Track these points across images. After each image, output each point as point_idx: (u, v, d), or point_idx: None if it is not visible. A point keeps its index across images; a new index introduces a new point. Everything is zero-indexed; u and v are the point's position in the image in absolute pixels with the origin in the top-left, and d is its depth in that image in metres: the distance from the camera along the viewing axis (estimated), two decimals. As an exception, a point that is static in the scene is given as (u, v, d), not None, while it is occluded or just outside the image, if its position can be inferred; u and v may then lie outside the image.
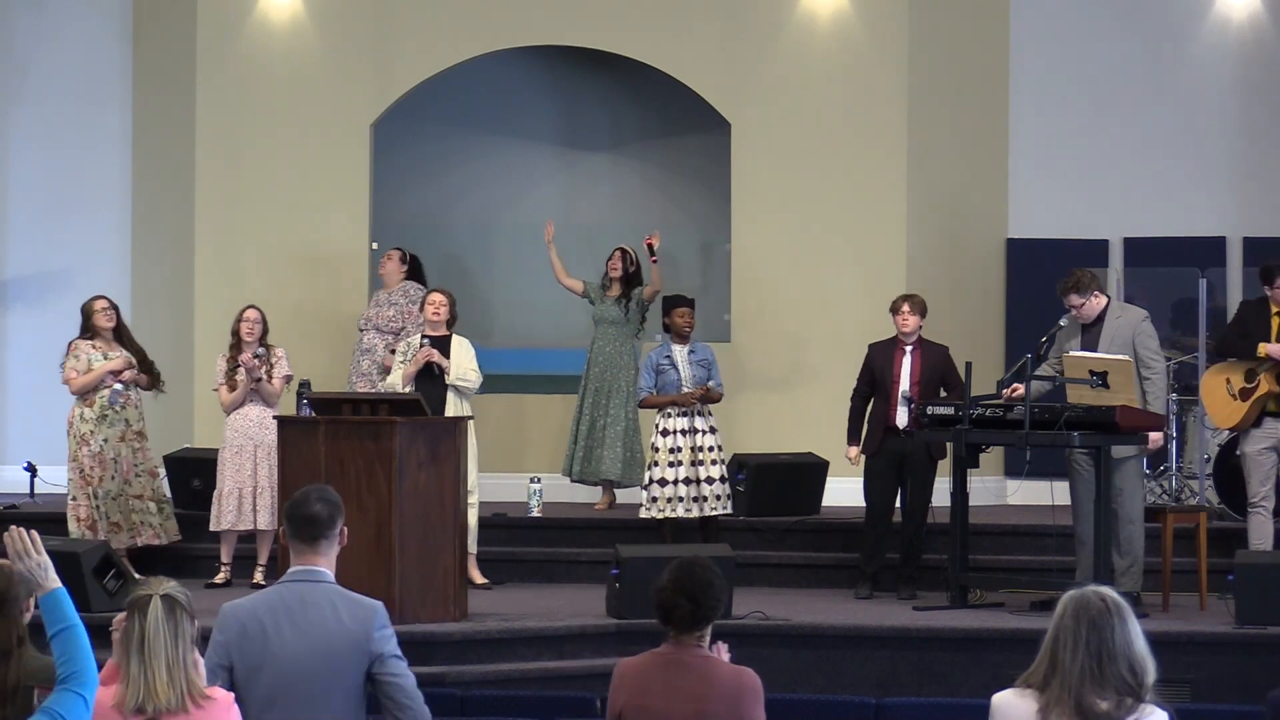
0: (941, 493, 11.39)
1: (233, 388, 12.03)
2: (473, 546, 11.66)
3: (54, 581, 4.70)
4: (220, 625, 5.75)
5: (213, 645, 5.73)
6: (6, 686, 5.35)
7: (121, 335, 12.16)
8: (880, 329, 11.96)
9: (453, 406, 11.54)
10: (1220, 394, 11.17)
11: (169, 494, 12.40)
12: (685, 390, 11.93)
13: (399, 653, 5.73)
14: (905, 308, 11.58)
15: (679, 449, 11.89)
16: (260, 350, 12.04)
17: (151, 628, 5.03)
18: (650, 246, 13.37)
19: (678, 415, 11.95)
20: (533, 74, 15.10)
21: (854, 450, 11.69)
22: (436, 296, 11.88)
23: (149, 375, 12.11)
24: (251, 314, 12.14)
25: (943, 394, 11.52)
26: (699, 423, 11.96)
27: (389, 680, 5.67)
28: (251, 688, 5.66)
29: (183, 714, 5.04)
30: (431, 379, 11.60)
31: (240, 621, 5.73)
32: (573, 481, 13.63)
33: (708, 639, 5.88)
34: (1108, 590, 4.72)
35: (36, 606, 5.25)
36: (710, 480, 11.90)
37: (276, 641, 5.66)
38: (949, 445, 11.42)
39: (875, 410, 11.65)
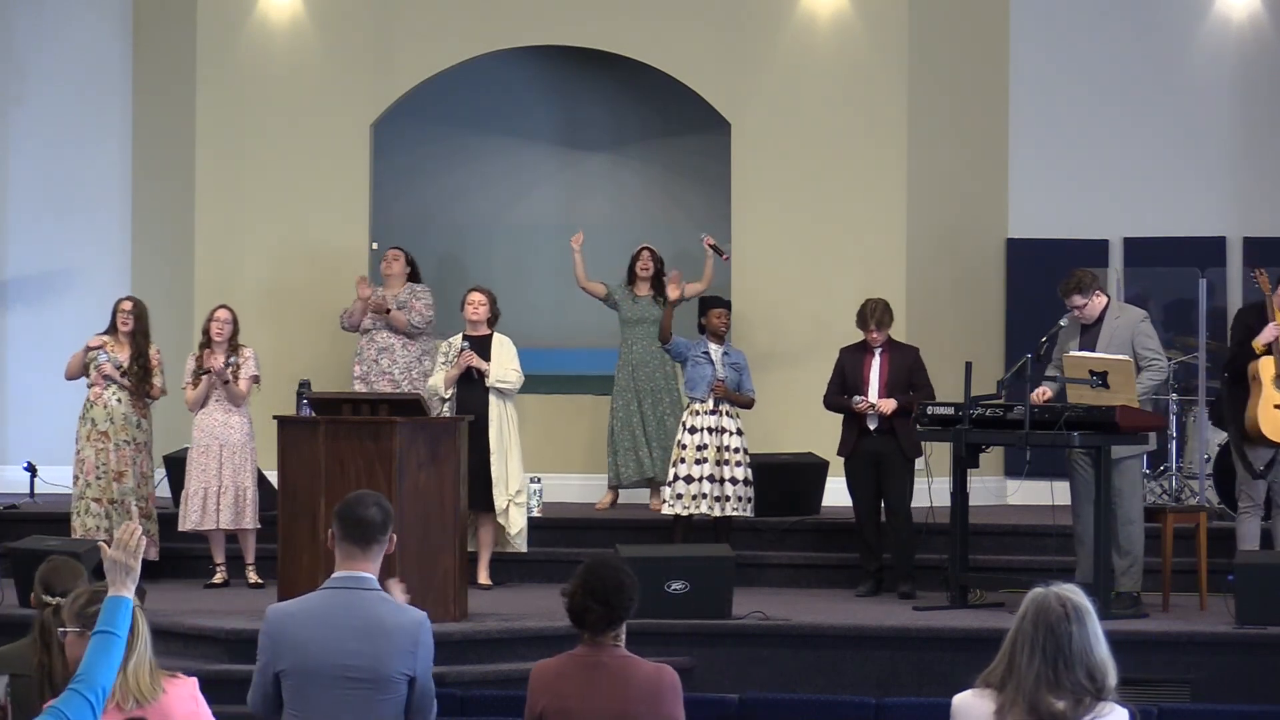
0: (941, 493, 11.40)
1: (198, 385, 12.06)
2: (523, 546, 11.65)
3: (127, 590, 4.72)
4: (266, 628, 5.76)
5: (260, 647, 5.76)
6: (52, 678, 5.40)
7: (136, 339, 12.16)
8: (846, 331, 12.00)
9: (495, 408, 11.52)
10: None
11: (133, 501, 12.09)
12: (719, 382, 11.92)
13: (431, 665, 5.76)
14: (873, 325, 11.62)
15: (705, 446, 11.90)
16: (232, 360, 12.03)
17: (139, 637, 5.23)
18: (715, 247, 13.34)
19: (706, 414, 11.97)
20: (533, 74, 15.10)
21: (863, 400, 11.62)
22: (475, 296, 11.84)
23: (135, 380, 12.06)
24: (222, 314, 12.17)
25: (910, 395, 11.58)
26: (727, 423, 11.97)
27: (417, 691, 5.73)
28: (299, 691, 5.67)
29: (154, 702, 5.28)
30: (471, 381, 11.59)
31: (285, 626, 5.75)
32: (616, 486, 13.57)
33: (623, 638, 5.89)
34: (1070, 592, 4.65)
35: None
36: (734, 481, 11.90)
37: (322, 647, 5.65)
38: (924, 443, 11.45)
39: (848, 413, 11.71)
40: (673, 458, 12.12)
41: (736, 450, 11.96)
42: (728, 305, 12.37)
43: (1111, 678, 4.60)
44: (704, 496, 11.87)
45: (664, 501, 12.12)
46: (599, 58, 14.49)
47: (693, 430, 11.97)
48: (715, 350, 12.11)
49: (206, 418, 12.04)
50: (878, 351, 11.72)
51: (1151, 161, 14.48)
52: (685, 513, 11.90)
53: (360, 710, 5.64)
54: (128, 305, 12.25)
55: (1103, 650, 4.60)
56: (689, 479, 11.89)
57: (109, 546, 4.79)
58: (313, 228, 14.33)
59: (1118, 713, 4.61)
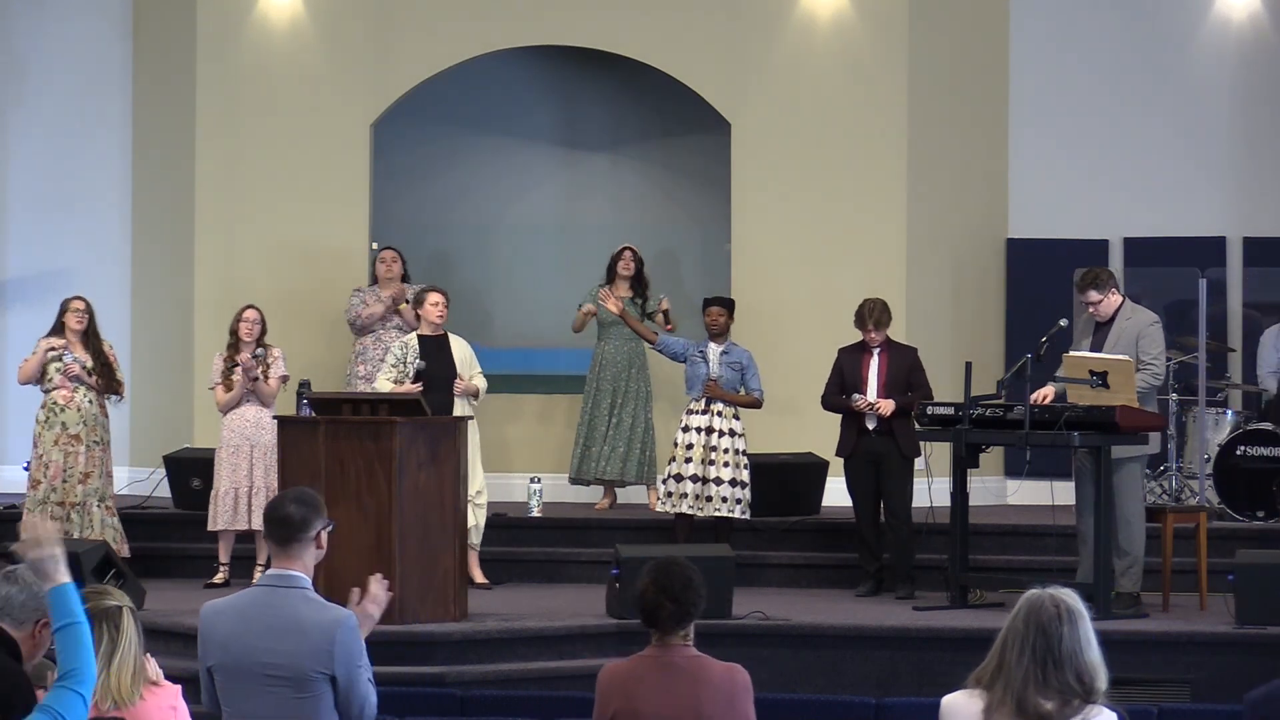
0: (941, 493, 11.40)
1: (229, 387, 12.00)
2: (476, 541, 11.66)
3: (64, 576, 4.65)
4: (200, 625, 5.79)
5: (199, 645, 5.77)
6: None
7: (89, 338, 12.07)
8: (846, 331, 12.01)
9: (458, 408, 11.54)
10: None
11: (95, 502, 11.98)
12: (710, 382, 11.94)
13: (360, 663, 5.69)
14: (870, 325, 11.62)
15: (693, 445, 11.90)
16: (259, 351, 12.03)
17: (125, 639, 5.33)
18: (666, 314, 13.52)
19: (699, 413, 11.97)
20: (533, 74, 15.09)
21: (861, 398, 11.62)
22: (438, 296, 11.83)
23: (105, 380, 12.01)
24: (251, 314, 12.12)
25: (909, 396, 11.57)
26: (717, 423, 11.94)
27: (341, 690, 5.69)
28: (226, 688, 5.70)
29: (131, 706, 5.35)
30: (437, 387, 11.56)
31: (213, 623, 5.78)
32: (573, 482, 13.64)
33: (692, 636, 5.90)
34: (1066, 594, 4.66)
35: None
36: (719, 481, 11.87)
37: (247, 644, 5.67)
38: (923, 443, 11.45)
39: (847, 413, 11.70)
40: (669, 456, 12.14)
41: (727, 450, 11.91)
42: (727, 304, 12.33)
43: (1101, 681, 4.59)
44: (684, 496, 11.85)
45: (658, 499, 12.13)
46: (599, 58, 14.49)
47: (685, 429, 11.98)
48: (714, 349, 12.10)
49: (237, 418, 11.99)
50: (876, 351, 11.72)
51: (1151, 161, 14.48)
52: (674, 510, 11.90)
53: (283, 708, 5.63)
54: (80, 304, 12.07)
55: (1094, 653, 4.60)
56: (679, 478, 11.90)
57: (21, 551, 4.72)
58: (313, 228, 14.33)
59: (1105, 715, 4.61)
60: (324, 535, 5.77)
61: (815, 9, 14.02)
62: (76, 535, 11.67)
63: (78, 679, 4.55)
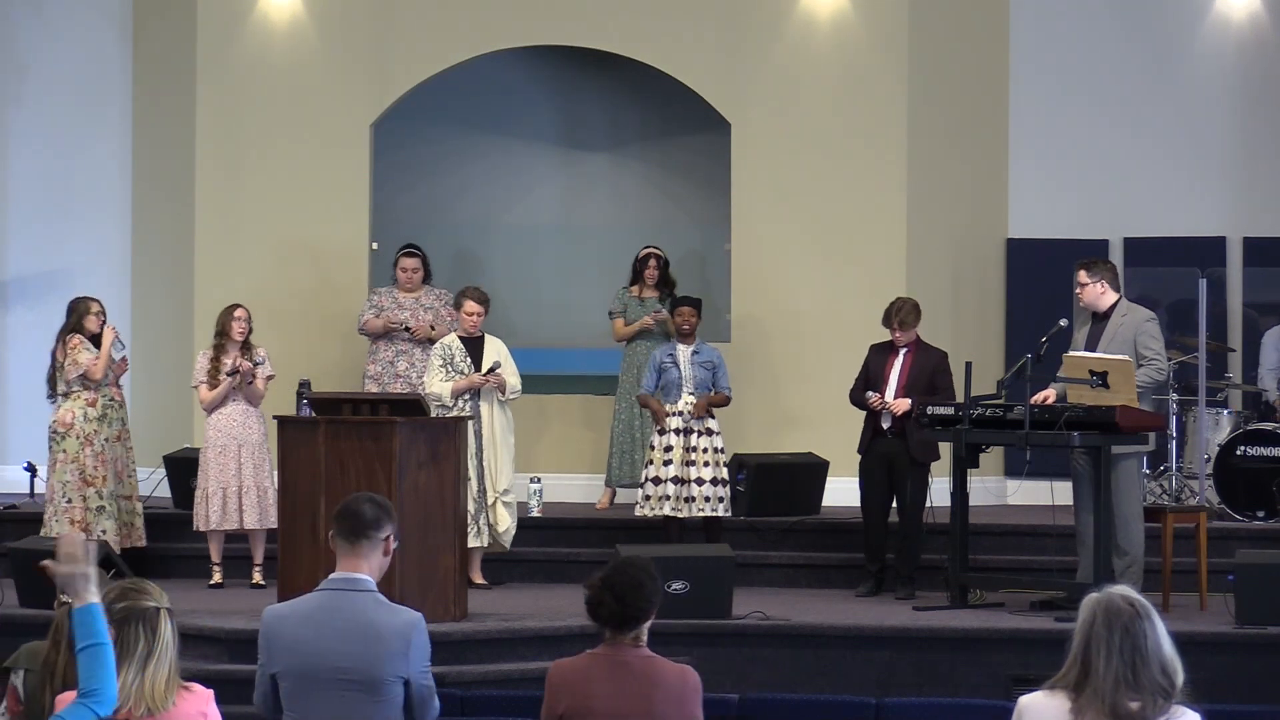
0: (941, 493, 11.39)
1: (213, 386, 11.97)
2: (507, 544, 11.65)
3: (93, 596, 4.69)
4: (264, 631, 5.76)
5: (259, 649, 5.76)
6: (55, 675, 5.39)
7: (98, 341, 12.11)
8: (880, 329, 11.97)
9: (486, 407, 11.55)
10: None
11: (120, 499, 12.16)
12: (687, 393, 11.91)
13: (427, 666, 5.73)
14: (895, 325, 11.60)
15: (671, 447, 11.89)
16: (259, 358, 12.01)
17: (162, 643, 5.18)
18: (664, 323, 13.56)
19: (674, 415, 11.96)
20: (533, 74, 15.10)
21: (875, 396, 11.61)
22: (475, 306, 11.80)
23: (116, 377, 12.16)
24: (242, 313, 12.08)
25: (929, 398, 11.54)
26: (694, 423, 11.94)
27: (415, 692, 5.72)
28: (293, 693, 5.68)
29: (164, 712, 5.25)
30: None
31: (279, 628, 5.75)
32: (623, 486, 13.56)
33: (644, 639, 5.85)
34: (1132, 593, 4.69)
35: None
36: (700, 481, 11.86)
37: (315, 649, 5.65)
38: (932, 447, 11.44)
39: (867, 412, 11.69)
40: (645, 459, 12.13)
41: (706, 450, 11.91)
42: (697, 304, 12.30)
43: (1180, 674, 4.64)
44: (667, 498, 11.83)
45: (637, 503, 12.11)
46: (599, 58, 14.49)
47: (661, 432, 11.97)
48: (684, 351, 12.08)
49: (223, 417, 11.97)
50: (902, 352, 11.69)
51: (1151, 161, 14.48)
52: (653, 513, 11.89)
53: (355, 712, 5.63)
54: (99, 306, 12.08)
55: (1170, 646, 4.67)
56: (657, 480, 11.89)
57: (53, 564, 4.76)
58: (313, 228, 14.32)
59: (1189, 715, 4.64)
60: (391, 544, 5.74)
61: (815, 9, 14.02)
62: (132, 527, 11.87)
63: (97, 700, 4.56)
